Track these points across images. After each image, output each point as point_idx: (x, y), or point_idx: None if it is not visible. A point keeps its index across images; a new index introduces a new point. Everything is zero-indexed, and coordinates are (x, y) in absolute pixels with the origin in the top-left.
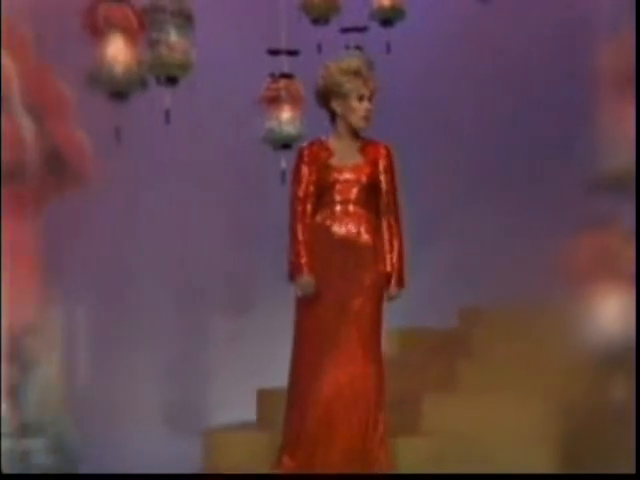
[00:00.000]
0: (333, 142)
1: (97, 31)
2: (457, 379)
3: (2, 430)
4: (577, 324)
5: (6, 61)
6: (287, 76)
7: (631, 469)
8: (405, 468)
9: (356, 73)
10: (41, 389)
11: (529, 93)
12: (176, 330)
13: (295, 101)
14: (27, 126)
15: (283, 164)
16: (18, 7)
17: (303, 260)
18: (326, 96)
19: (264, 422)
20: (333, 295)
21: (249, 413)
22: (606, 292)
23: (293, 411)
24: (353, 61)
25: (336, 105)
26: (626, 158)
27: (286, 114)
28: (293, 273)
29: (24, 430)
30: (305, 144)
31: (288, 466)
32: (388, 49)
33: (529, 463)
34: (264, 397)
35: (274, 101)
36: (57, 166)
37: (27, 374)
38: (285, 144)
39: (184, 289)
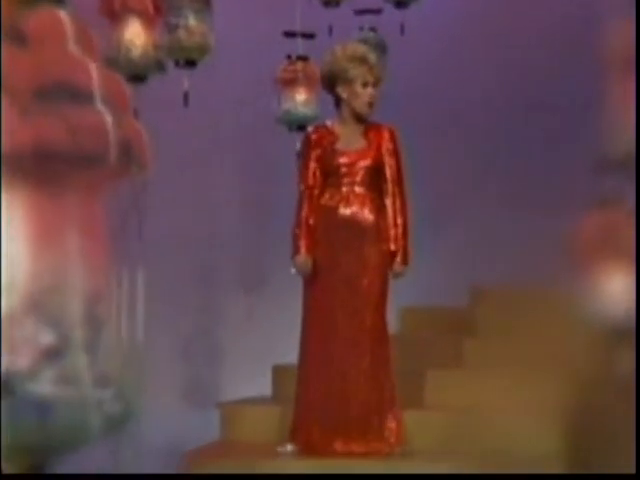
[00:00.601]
0: (338, 127)
1: (114, 15)
2: (466, 357)
3: (84, 381)
4: (584, 302)
5: (87, 59)
6: (303, 58)
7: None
8: (412, 444)
9: (362, 59)
10: (111, 347)
11: (537, 77)
12: (192, 307)
13: (311, 83)
14: (107, 118)
15: (298, 145)
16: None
17: (301, 241)
18: (331, 81)
19: (279, 397)
20: (339, 274)
21: (263, 388)
22: (612, 270)
23: (303, 388)
24: (359, 47)
25: (341, 90)
26: (632, 140)
27: (302, 96)
28: (292, 253)
29: (98, 382)
30: (311, 129)
31: (300, 442)
32: (402, 31)
33: (536, 441)
34: (279, 372)
35: (290, 83)
36: (127, 154)
37: (99, 334)
38: (301, 125)
39: (200, 267)
